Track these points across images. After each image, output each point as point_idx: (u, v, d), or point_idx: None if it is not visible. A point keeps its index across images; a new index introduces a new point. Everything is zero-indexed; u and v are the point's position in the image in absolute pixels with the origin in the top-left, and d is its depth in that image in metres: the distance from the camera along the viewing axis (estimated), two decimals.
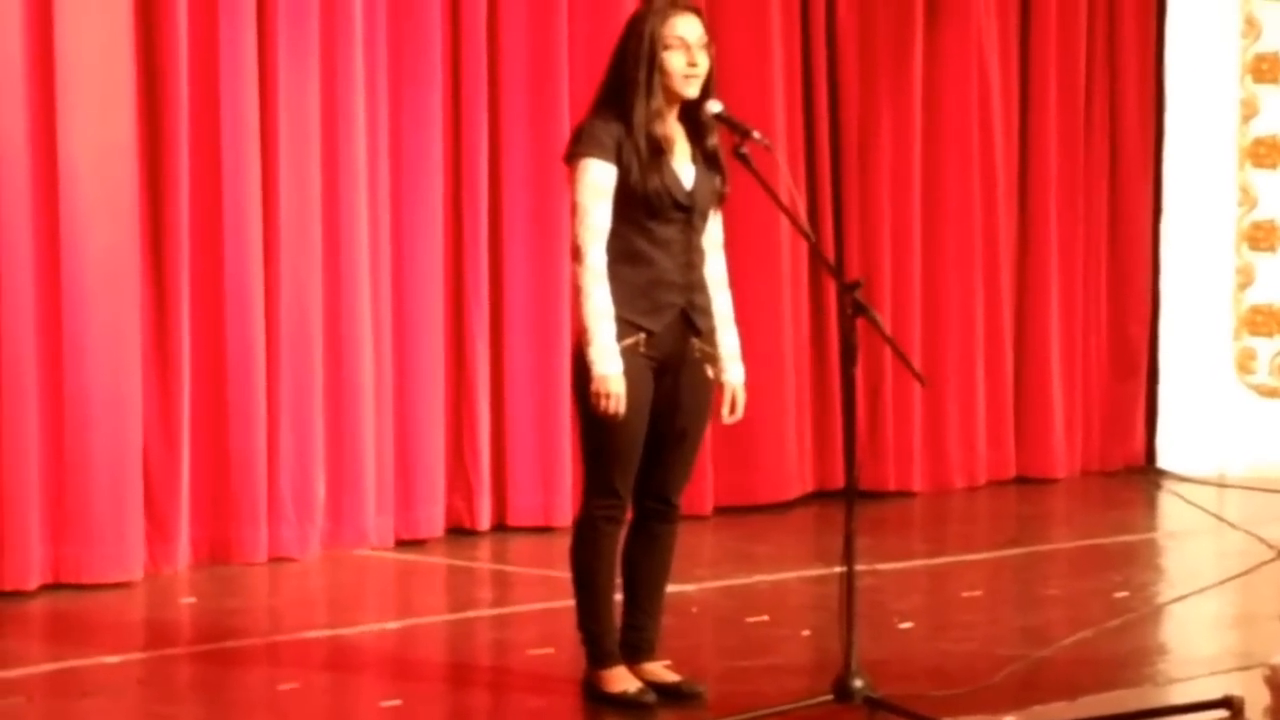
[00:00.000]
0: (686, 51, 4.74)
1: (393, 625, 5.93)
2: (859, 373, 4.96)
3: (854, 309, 4.79)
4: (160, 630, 5.94)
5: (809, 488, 8.20)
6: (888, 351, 7.73)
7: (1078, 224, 9.10)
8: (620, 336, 4.72)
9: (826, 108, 8.34)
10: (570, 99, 7.40)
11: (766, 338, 7.88)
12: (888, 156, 8.49)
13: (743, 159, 4.80)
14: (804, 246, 8.03)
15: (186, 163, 6.65)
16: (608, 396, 4.69)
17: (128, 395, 6.43)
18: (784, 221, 7.63)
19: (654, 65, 4.72)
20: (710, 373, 4.88)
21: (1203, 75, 9.16)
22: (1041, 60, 8.93)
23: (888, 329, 6.85)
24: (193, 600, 6.29)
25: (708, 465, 7.73)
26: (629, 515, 4.90)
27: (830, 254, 8.16)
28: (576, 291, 4.76)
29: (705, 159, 4.85)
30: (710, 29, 4.82)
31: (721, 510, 7.89)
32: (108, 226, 6.38)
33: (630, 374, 4.72)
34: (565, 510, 7.43)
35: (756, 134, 4.79)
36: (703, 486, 7.71)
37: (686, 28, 4.75)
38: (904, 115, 8.50)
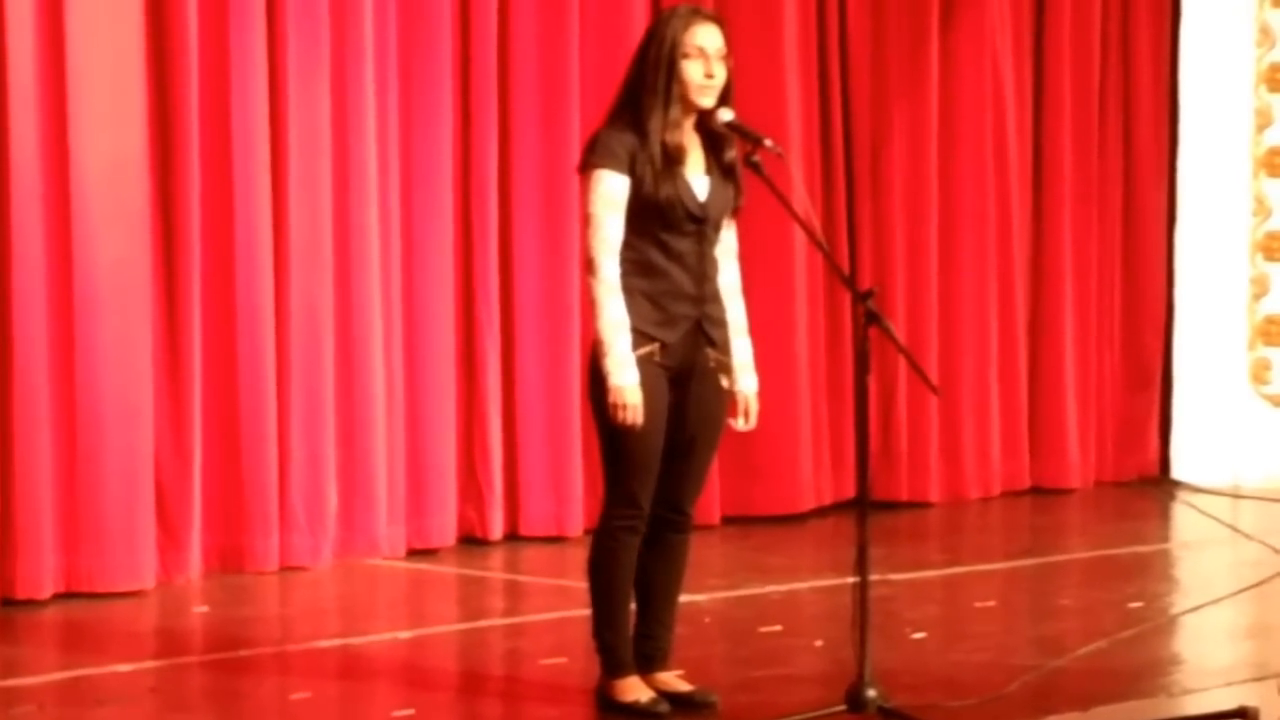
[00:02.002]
0: (705, 62, 4.74)
1: (404, 634, 5.92)
2: (873, 383, 4.94)
3: (867, 318, 4.79)
4: (172, 639, 5.94)
5: (825, 499, 8.17)
6: (902, 361, 7.71)
7: (1092, 234, 9.08)
8: (635, 346, 4.71)
9: (840, 118, 8.32)
10: (581, 107, 7.39)
11: (781, 347, 7.87)
12: (902, 166, 8.48)
13: (754, 167, 4.80)
14: (818, 255, 8.02)
15: (198, 174, 6.66)
16: (625, 407, 4.68)
17: (139, 404, 6.44)
18: (798, 230, 7.61)
19: (672, 73, 4.72)
20: (725, 382, 4.88)
21: (1217, 85, 9.14)
22: (1056, 70, 8.92)
23: (902, 339, 6.84)
24: (204, 609, 6.29)
25: (717, 475, 7.71)
26: None
27: (844, 263, 8.15)
28: (590, 304, 4.76)
29: (721, 170, 4.84)
30: (729, 40, 4.81)
31: (733, 520, 7.86)
32: (119, 237, 6.39)
33: (647, 383, 4.72)
34: (577, 520, 7.42)
35: (768, 142, 4.79)
36: (712, 496, 7.69)
37: (707, 37, 4.75)
38: (918, 125, 8.49)
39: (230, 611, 6.24)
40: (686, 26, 4.74)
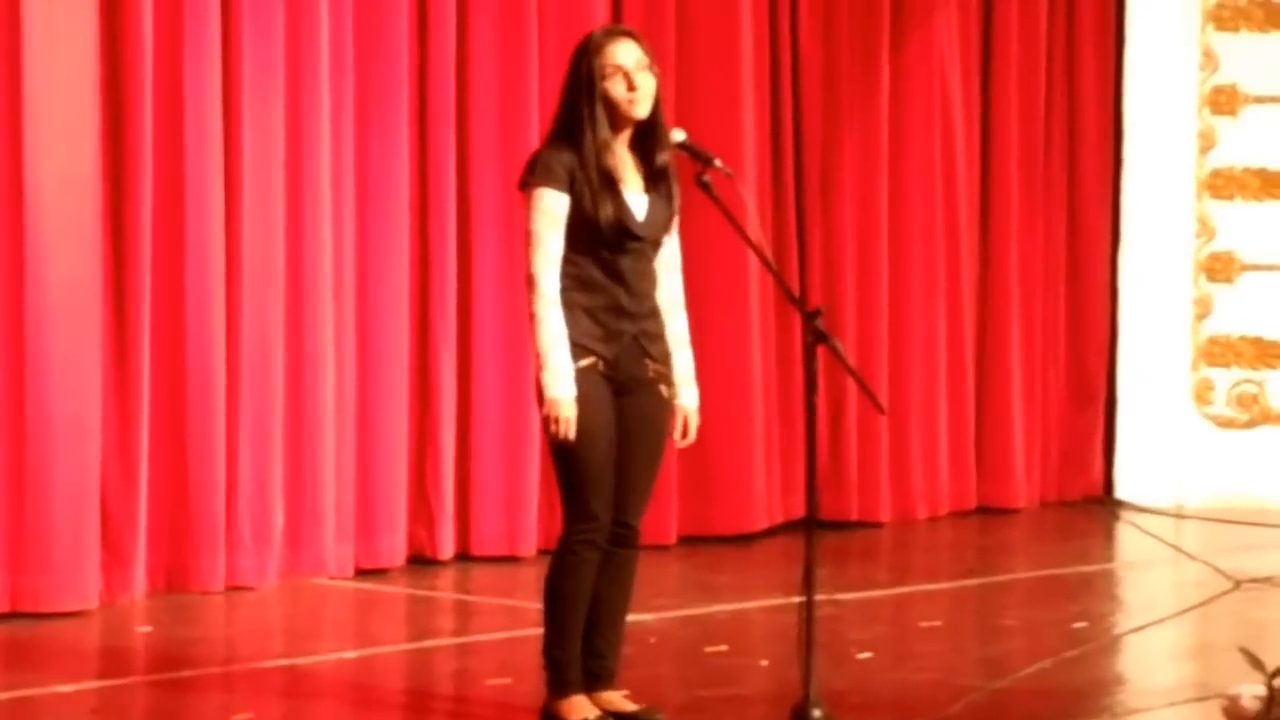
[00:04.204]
0: (626, 77, 4.78)
1: (350, 655, 5.90)
2: (822, 403, 4.96)
3: (814, 337, 4.80)
4: (116, 659, 5.90)
5: (777, 519, 8.18)
6: (851, 381, 7.73)
7: (1037, 254, 9.13)
8: (576, 358, 4.74)
9: (791, 140, 8.35)
10: (540, 119, 7.37)
11: (735, 367, 7.88)
12: (851, 187, 8.51)
13: (704, 187, 4.82)
14: (771, 275, 8.03)
15: (149, 191, 6.62)
16: (558, 420, 4.70)
17: (87, 423, 6.39)
18: (751, 250, 7.62)
19: (595, 97, 4.76)
20: (666, 392, 4.89)
21: (1161, 107, 9.22)
22: (1002, 93, 8.98)
23: (851, 359, 6.86)
24: (149, 629, 6.25)
25: (672, 494, 7.72)
26: None
27: (794, 283, 8.17)
28: (530, 318, 4.79)
29: (656, 181, 4.86)
30: (648, 50, 4.85)
31: (687, 540, 7.86)
32: (70, 255, 6.36)
33: (591, 395, 4.73)
34: (530, 539, 7.40)
35: (718, 162, 4.82)
36: (667, 516, 7.69)
37: (624, 54, 4.79)
38: (868, 146, 8.52)
39: (174, 631, 6.20)
40: (600, 49, 4.80)
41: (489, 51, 7.43)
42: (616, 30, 4.91)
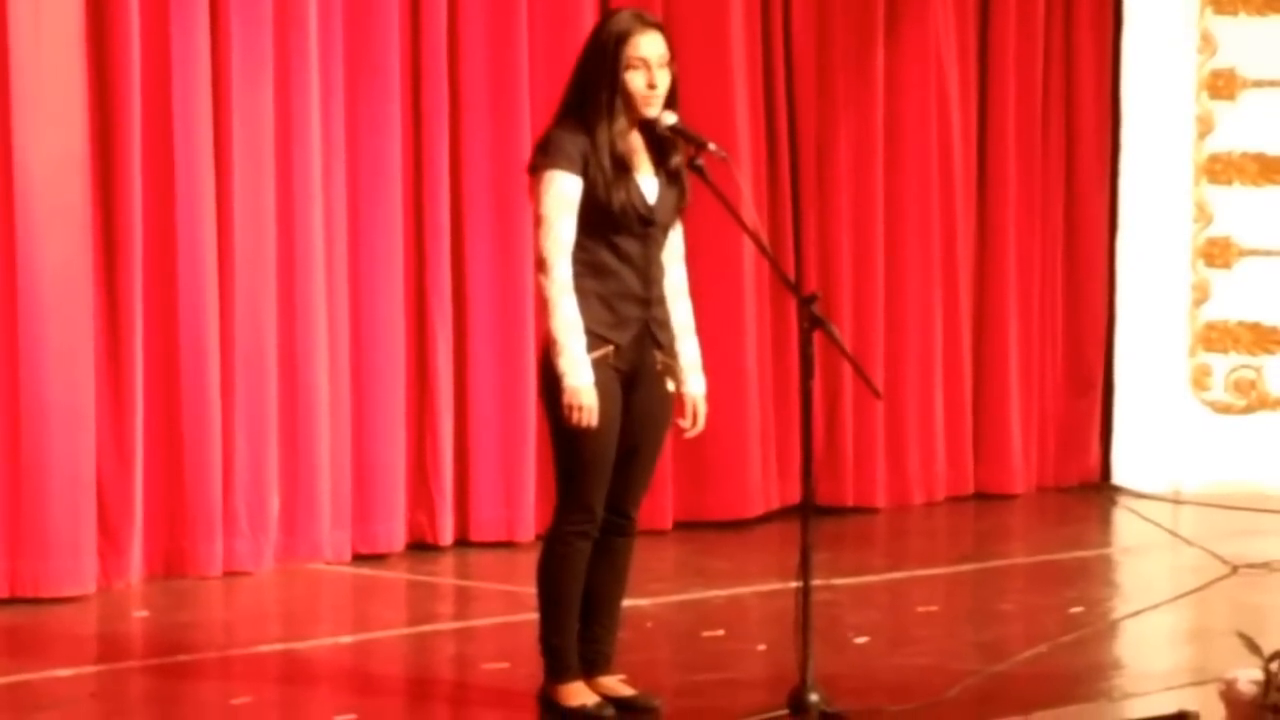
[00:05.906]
0: (647, 72, 4.75)
1: (347, 639, 5.90)
2: (818, 388, 4.95)
3: (810, 322, 4.80)
4: (113, 644, 5.90)
5: (773, 504, 8.18)
6: (847, 366, 7.73)
7: (1035, 239, 9.13)
8: (590, 348, 4.72)
9: (786, 124, 8.34)
10: (531, 107, 7.38)
11: (729, 353, 7.87)
12: (847, 171, 8.49)
13: (698, 170, 4.82)
14: (765, 260, 8.01)
15: (139, 175, 6.62)
16: (580, 408, 4.69)
17: (81, 408, 6.39)
18: (746, 234, 7.61)
19: (616, 86, 4.73)
20: (670, 386, 4.88)
21: (1159, 91, 9.21)
22: (1000, 77, 8.97)
23: (847, 344, 6.87)
24: (145, 614, 6.25)
25: (669, 480, 7.72)
26: None
27: (789, 268, 8.16)
28: (543, 304, 4.76)
29: (666, 172, 4.85)
30: (671, 43, 4.82)
31: (683, 526, 7.87)
32: (61, 239, 6.35)
33: (601, 386, 4.72)
34: (529, 525, 7.41)
35: (712, 145, 4.80)
36: (663, 501, 7.69)
37: (649, 46, 4.76)
38: (864, 131, 8.51)
39: (171, 616, 6.20)
40: (628, 36, 4.74)
41: (480, 36, 7.41)
42: (647, 20, 4.80)
